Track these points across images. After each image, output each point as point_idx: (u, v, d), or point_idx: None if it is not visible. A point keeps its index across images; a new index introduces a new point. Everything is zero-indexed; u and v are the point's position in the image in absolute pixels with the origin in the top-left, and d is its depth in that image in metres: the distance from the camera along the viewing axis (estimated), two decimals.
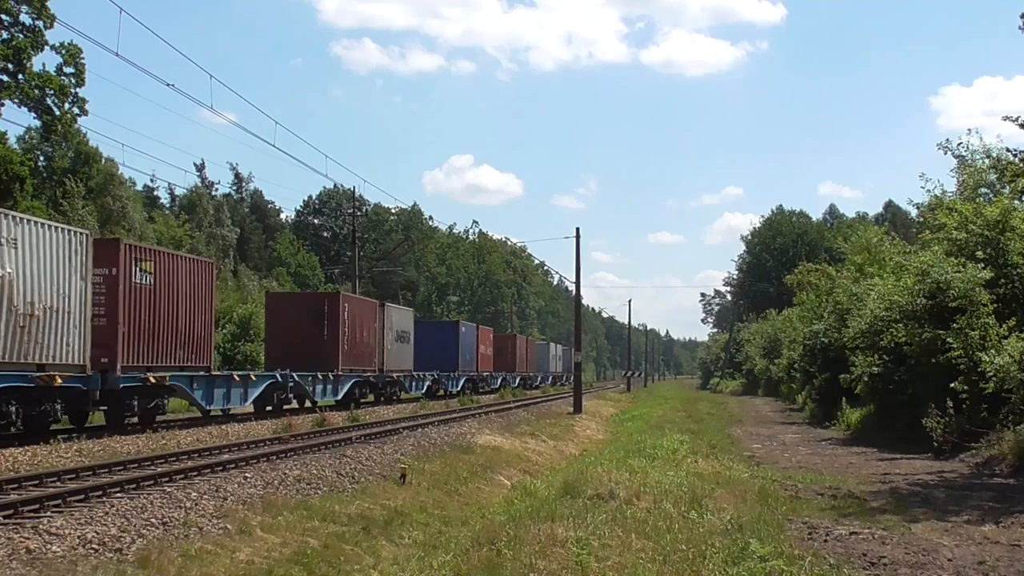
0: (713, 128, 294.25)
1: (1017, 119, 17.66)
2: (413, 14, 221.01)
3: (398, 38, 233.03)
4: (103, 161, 55.24)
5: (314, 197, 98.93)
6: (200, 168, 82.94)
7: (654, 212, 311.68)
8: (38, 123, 39.14)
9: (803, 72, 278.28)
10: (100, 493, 11.54)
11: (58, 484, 12.16)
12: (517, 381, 59.94)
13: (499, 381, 54.58)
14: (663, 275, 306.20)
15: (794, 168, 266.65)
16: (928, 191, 24.94)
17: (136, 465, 14.37)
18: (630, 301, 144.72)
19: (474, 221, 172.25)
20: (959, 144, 24.30)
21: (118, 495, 11.57)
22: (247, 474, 13.76)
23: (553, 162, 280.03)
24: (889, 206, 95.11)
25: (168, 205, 75.06)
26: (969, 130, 31.33)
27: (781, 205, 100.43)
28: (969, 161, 23.97)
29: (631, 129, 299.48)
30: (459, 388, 47.84)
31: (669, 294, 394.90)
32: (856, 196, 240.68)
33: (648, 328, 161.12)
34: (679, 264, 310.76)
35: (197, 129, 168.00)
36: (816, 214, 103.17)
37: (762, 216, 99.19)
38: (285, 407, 28.58)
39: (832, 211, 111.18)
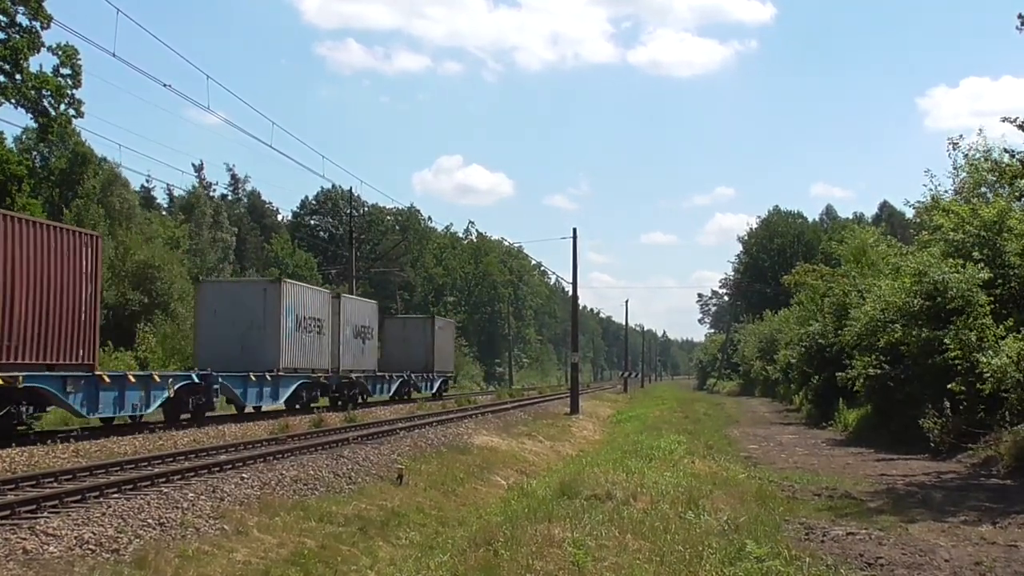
0: (703, 128, 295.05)
1: (1015, 120, 17.68)
2: (397, 14, 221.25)
3: (382, 39, 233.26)
4: (99, 162, 55.15)
5: (311, 197, 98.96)
6: (199, 169, 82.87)
7: (646, 212, 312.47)
8: (35, 124, 39.10)
9: (793, 72, 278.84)
10: (97, 494, 11.53)
11: (55, 485, 12.14)
12: None
13: None
14: (657, 275, 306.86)
15: (785, 168, 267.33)
16: (930, 189, 25.14)
17: (133, 466, 14.36)
18: (627, 301, 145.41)
19: (470, 221, 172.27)
20: (954, 147, 24.48)
21: (115, 496, 11.56)
22: (244, 475, 13.74)
23: (544, 162, 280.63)
24: (884, 207, 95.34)
25: (166, 206, 74.98)
26: (980, 130, 31.56)
27: (777, 206, 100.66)
28: (972, 160, 24.07)
29: (621, 129, 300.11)
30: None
31: (664, 295, 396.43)
32: (848, 196, 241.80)
33: (645, 329, 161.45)
34: (673, 264, 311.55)
35: (193, 130, 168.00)
36: (809, 214, 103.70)
37: (758, 217, 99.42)
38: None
39: (829, 212, 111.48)
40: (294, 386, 28.64)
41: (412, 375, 40.55)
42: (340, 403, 32.61)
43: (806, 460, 20.28)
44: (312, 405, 29.73)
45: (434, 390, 43.93)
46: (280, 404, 28.05)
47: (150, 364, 34.82)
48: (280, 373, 27.45)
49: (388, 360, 40.66)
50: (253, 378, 25.92)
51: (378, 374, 37.24)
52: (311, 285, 34.42)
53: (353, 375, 33.99)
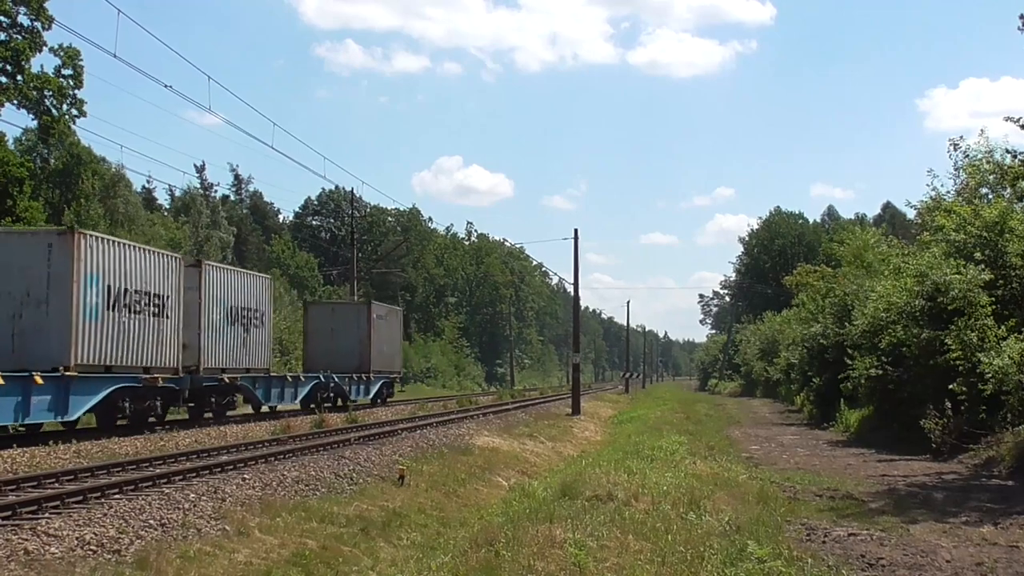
0: (703, 129, 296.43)
1: (1019, 120, 17.68)
2: (395, 15, 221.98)
3: (381, 39, 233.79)
4: (98, 161, 55.16)
5: (313, 198, 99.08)
6: (200, 170, 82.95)
7: (646, 213, 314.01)
8: (36, 125, 39.16)
9: (793, 73, 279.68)
10: (98, 494, 11.54)
11: (56, 485, 12.14)
12: None
13: None
14: (657, 276, 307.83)
15: (785, 169, 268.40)
16: (932, 190, 25.21)
17: (134, 466, 14.36)
18: (628, 302, 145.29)
19: (469, 222, 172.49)
20: (955, 147, 24.53)
21: (116, 496, 11.56)
22: (245, 475, 13.75)
23: (543, 163, 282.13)
24: (887, 207, 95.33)
25: (168, 207, 75.03)
26: (982, 130, 31.63)
27: (779, 207, 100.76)
28: (974, 159, 24.08)
29: (621, 130, 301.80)
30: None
31: (665, 295, 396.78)
32: (847, 197, 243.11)
33: (647, 329, 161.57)
34: (673, 265, 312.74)
35: (194, 130, 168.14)
36: (810, 215, 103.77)
37: (759, 218, 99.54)
38: None
39: (831, 213, 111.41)
40: (104, 392, 19.55)
41: (334, 376, 31.62)
42: (207, 414, 24.73)
43: (807, 461, 20.27)
44: (153, 417, 21.92)
45: (370, 396, 35.37)
46: (75, 417, 19.27)
47: None
48: (72, 373, 18.41)
49: (312, 357, 33.64)
50: (2, 381, 16.53)
51: (274, 375, 28.63)
52: (143, 245, 23.96)
53: (227, 376, 25.13)
